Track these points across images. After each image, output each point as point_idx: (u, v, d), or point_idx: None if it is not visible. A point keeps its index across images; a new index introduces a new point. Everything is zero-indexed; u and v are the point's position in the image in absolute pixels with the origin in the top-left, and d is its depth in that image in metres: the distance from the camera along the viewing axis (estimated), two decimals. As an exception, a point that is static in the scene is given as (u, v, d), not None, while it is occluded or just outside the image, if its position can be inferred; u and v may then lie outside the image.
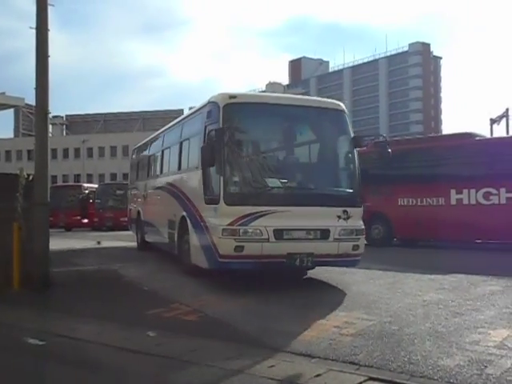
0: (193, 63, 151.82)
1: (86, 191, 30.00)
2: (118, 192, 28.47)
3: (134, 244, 15.57)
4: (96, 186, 32.43)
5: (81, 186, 32.73)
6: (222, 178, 7.71)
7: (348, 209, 8.12)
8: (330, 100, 9.40)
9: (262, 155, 8.50)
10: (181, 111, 77.16)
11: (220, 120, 7.95)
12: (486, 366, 4.49)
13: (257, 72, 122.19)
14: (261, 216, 7.65)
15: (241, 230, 7.58)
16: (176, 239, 10.02)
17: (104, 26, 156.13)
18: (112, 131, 74.94)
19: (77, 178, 65.66)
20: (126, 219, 27.43)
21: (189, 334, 5.80)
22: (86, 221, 28.31)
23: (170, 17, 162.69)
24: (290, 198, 8.00)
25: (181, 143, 10.59)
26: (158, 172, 12.87)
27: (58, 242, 14.63)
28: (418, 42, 66.71)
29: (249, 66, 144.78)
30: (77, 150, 72.03)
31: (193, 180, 9.18)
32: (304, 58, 55.97)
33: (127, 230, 25.64)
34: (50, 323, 6.52)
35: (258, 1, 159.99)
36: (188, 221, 9.14)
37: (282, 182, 8.17)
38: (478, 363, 4.58)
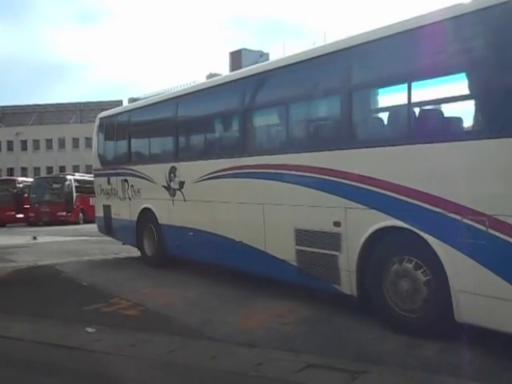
0: (130, 54, 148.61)
1: (21, 185, 28.84)
2: (55, 186, 27.70)
3: (75, 239, 15.04)
4: (31, 179, 31.30)
5: (14, 179, 31.41)
6: None
7: None
8: None
9: None
10: (120, 102, 75.58)
11: None
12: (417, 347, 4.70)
13: (196, 64, 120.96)
14: None
15: None
16: (354, 268, 5.61)
17: (36, 15, 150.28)
18: (47, 123, 72.35)
19: (10, 171, 63.03)
20: (64, 214, 27.21)
21: (129, 329, 5.71)
22: (20, 216, 27.25)
23: (105, 7, 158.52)
24: None
25: (350, 92, 5.76)
26: (253, 148, 7.37)
27: (-9, 239, 14.05)
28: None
29: (188, 58, 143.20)
30: (10, 143, 69.08)
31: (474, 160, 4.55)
32: (244, 49, 56.04)
33: (65, 224, 25.22)
34: (-18, 323, 6.26)
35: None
36: (444, 247, 4.70)
37: None
38: (410, 346, 4.77)
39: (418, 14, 5.22)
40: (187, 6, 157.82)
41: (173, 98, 9.33)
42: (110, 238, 11.80)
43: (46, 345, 5.28)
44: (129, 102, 75.90)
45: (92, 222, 26.57)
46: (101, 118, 11.74)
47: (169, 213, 9.00)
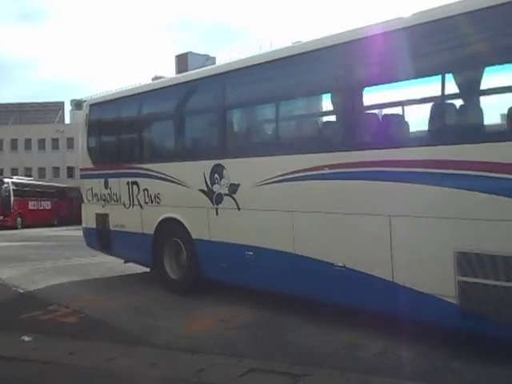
0: (72, 55, 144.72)
1: (-46, 188, 27.68)
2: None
3: (13, 244, 14.50)
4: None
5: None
6: None
7: None
8: None
9: None
10: (61, 104, 73.42)
11: None
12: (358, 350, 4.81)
13: (142, 66, 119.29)
14: None
15: None
16: None
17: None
18: (-16, 124, 69.63)
19: None
20: (1, 218, 26.17)
21: (68, 337, 5.58)
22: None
23: (48, 5, 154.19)
24: None
25: None
26: (379, 137, 5.34)
27: None
28: (300, 42, 69.06)
29: (133, 60, 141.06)
30: None
31: None
32: (191, 53, 55.65)
33: (2, 229, 24.31)
34: None
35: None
36: None
37: None
38: (350, 348, 4.87)
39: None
40: (133, 6, 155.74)
41: (219, 74, 7.16)
42: (50, 243, 11.45)
43: (-21, 355, 5.07)
44: (71, 104, 73.85)
45: (30, 226, 26.01)
46: (92, 105, 9.38)
47: (210, 225, 6.99)
